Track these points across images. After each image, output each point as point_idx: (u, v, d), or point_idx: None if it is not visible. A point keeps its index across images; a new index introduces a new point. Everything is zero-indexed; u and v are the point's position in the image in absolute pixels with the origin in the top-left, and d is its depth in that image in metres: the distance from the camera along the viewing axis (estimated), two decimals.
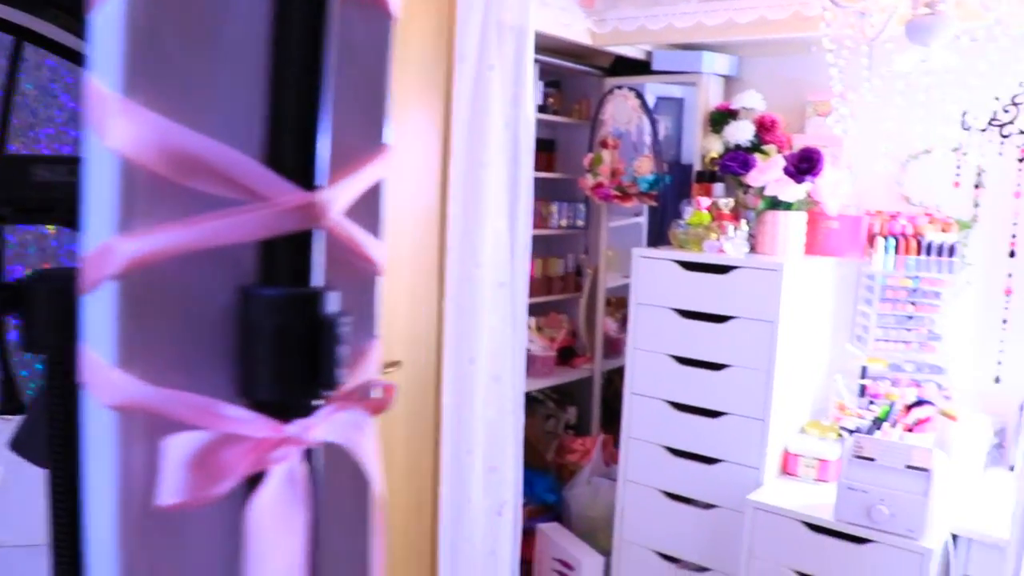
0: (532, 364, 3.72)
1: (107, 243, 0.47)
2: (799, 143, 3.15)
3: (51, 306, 0.64)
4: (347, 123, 0.56)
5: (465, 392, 2.51)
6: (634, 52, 3.55)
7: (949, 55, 2.10)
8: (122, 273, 0.47)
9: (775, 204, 2.99)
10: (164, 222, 0.47)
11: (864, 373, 3.06)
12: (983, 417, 2.90)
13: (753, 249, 3.07)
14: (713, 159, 3.29)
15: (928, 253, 2.96)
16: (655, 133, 3.51)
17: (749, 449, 2.90)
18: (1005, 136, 2.85)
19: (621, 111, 3.58)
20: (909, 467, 2.50)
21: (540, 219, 3.85)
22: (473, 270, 2.44)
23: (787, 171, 2.89)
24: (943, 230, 2.98)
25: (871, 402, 3.02)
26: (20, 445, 0.74)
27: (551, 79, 3.90)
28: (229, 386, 0.51)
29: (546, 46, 3.49)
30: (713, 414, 2.98)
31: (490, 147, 2.38)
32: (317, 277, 0.52)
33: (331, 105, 0.51)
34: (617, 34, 3.30)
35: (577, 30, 3.30)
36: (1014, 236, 2.89)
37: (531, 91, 2.38)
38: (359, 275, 0.60)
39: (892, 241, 2.98)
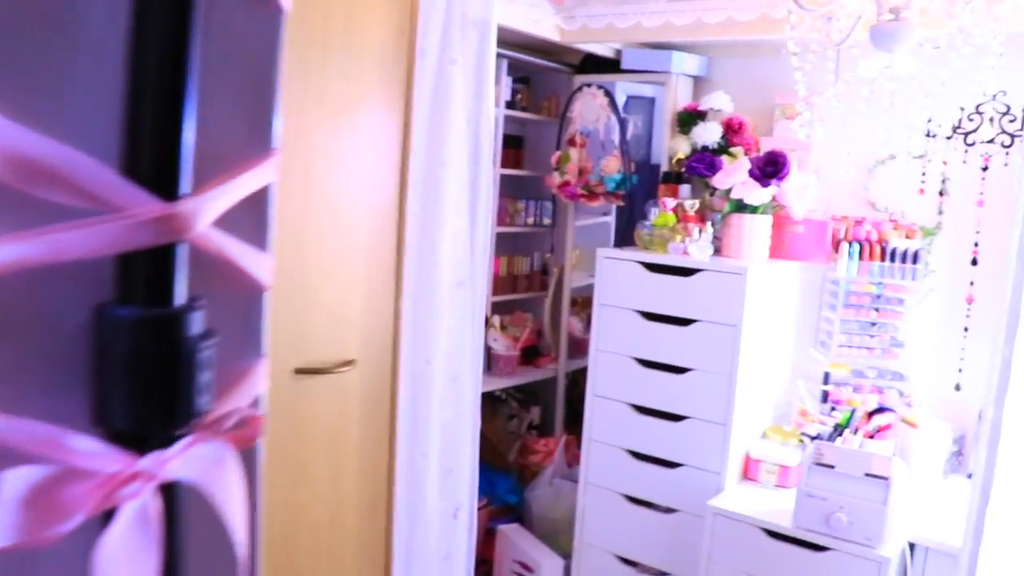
0: (495, 363, 3.69)
1: None
2: (767, 146, 3.14)
3: None
4: (224, 124, 0.51)
5: (421, 393, 2.46)
6: (604, 50, 3.52)
7: (913, 62, 2.09)
8: None
9: (741, 207, 2.97)
10: (5, 234, 0.42)
11: (827, 379, 3.05)
12: (943, 425, 2.90)
13: (718, 252, 3.05)
14: (680, 160, 3.26)
15: (892, 259, 2.96)
16: (623, 132, 3.48)
17: (711, 454, 2.88)
18: (969, 144, 2.85)
19: (589, 109, 3.55)
20: (868, 475, 2.49)
21: (507, 216, 3.82)
22: (431, 269, 2.39)
23: (752, 174, 2.87)
24: (907, 237, 2.97)
25: (833, 408, 3.02)
26: None
27: (520, 75, 3.86)
28: (84, 414, 0.46)
29: (515, 42, 3.45)
30: (675, 418, 2.96)
31: (450, 144, 2.34)
32: (180, 295, 0.47)
33: (202, 104, 0.46)
34: (585, 31, 3.26)
35: (545, 26, 3.26)
36: (976, 244, 2.89)
37: (492, 87, 2.34)
38: (239, 290, 0.56)
39: (856, 247, 2.97)
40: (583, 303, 3.92)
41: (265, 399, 0.56)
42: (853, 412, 2.91)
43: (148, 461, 0.45)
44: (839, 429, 2.84)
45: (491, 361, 3.70)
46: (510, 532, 3.50)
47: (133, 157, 0.45)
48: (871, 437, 2.81)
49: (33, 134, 0.41)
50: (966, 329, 2.93)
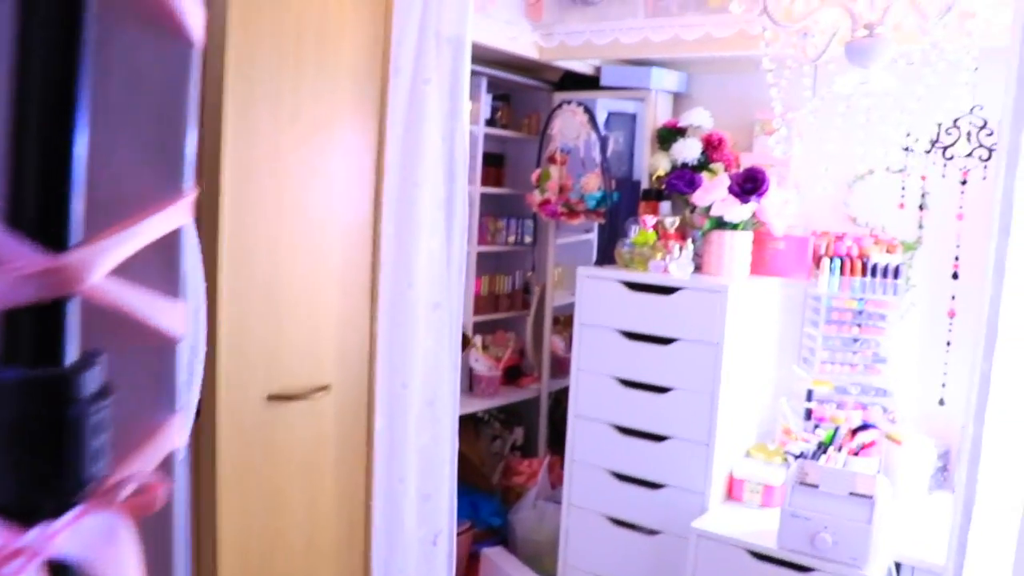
0: (477, 384, 3.65)
1: None
2: (747, 162, 3.12)
3: None
4: (127, 164, 0.48)
5: (398, 417, 2.42)
6: (583, 67, 3.50)
7: (888, 78, 2.07)
8: None
9: (721, 224, 2.95)
10: None
11: (810, 396, 3.03)
12: (927, 440, 2.88)
13: (699, 269, 3.03)
14: (660, 177, 3.24)
15: (873, 275, 2.94)
16: (603, 149, 3.46)
17: (694, 474, 2.85)
18: (948, 158, 2.84)
19: (569, 126, 3.53)
20: (853, 494, 2.46)
21: (488, 235, 3.79)
22: (407, 290, 2.36)
23: (732, 191, 2.86)
24: (888, 251, 2.96)
25: (816, 426, 2.99)
26: None
27: (500, 93, 3.84)
28: None
29: (494, 59, 3.44)
30: (658, 438, 2.92)
31: (425, 164, 2.31)
32: (71, 353, 0.44)
33: (99, 143, 0.42)
34: (564, 48, 3.24)
35: (524, 44, 3.24)
36: (957, 258, 2.88)
37: (467, 105, 2.31)
38: (146, 343, 0.52)
39: (837, 262, 2.96)
40: (566, 322, 3.89)
41: (182, 454, 0.53)
42: (837, 429, 2.88)
43: (33, 536, 0.42)
44: (823, 447, 2.81)
45: (473, 382, 3.67)
46: (494, 555, 3.45)
47: (15, 204, 0.41)
48: (855, 454, 2.78)
49: None
50: (948, 343, 2.92)
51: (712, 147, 3.18)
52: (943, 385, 2.94)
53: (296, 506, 2.29)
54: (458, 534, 3.52)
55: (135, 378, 0.47)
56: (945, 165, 2.86)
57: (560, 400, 3.80)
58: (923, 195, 2.93)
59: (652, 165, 3.33)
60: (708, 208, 2.94)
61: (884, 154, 2.83)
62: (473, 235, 3.65)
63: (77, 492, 0.44)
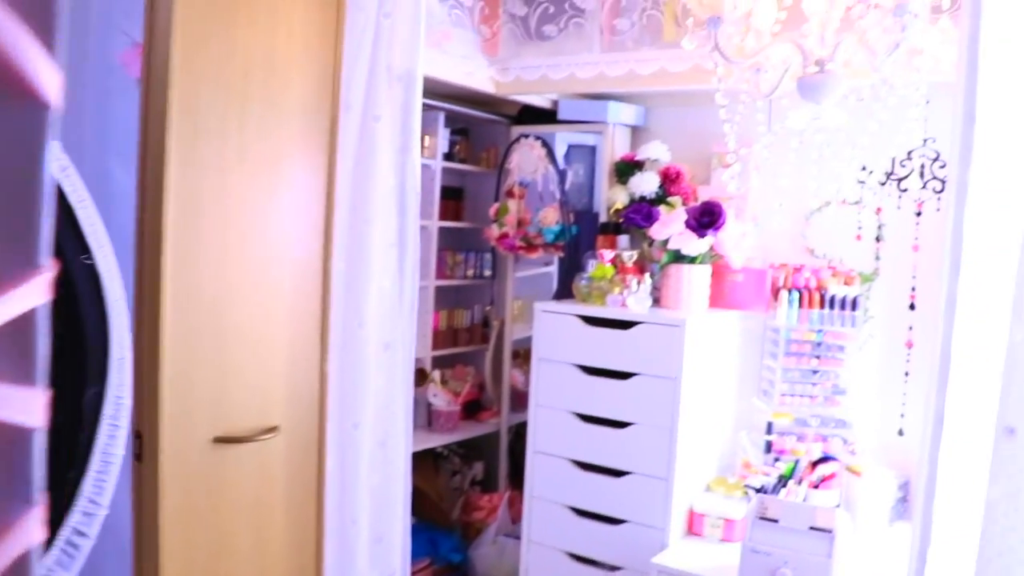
0: (436, 419, 3.61)
1: None
2: (705, 195, 3.12)
3: None
4: None
5: (349, 458, 2.36)
6: (541, 101, 3.50)
7: (840, 113, 2.08)
8: None
9: (679, 257, 2.93)
10: None
11: (770, 428, 3.01)
12: (887, 472, 2.87)
13: (657, 303, 3.01)
14: (618, 210, 3.23)
15: (831, 307, 2.94)
16: (562, 182, 3.45)
17: (653, 509, 2.82)
18: (903, 190, 2.86)
19: (527, 160, 3.52)
20: (813, 528, 2.44)
21: (446, 269, 3.77)
22: (357, 330, 2.31)
23: (689, 225, 2.85)
24: (846, 283, 2.96)
25: (777, 458, 2.97)
26: None
27: (458, 127, 3.83)
28: None
29: (452, 94, 3.42)
30: (617, 473, 2.89)
31: (376, 201, 2.27)
32: None
33: None
34: (520, 83, 3.24)
35: (480, 78, 3.23)
36: (914, 289, 2.89)
37: (418, 140, 2.29)
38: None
39: (796, 294, 2.95)
40: (525, 355, 3.84)
41: (38, 549, 0.48)
42: (797, 462, 2.87)
43: None
44: (783, 480, 2.80)
45: (431, 417, 3.62)
46: None
47: None
48: (816, 487, 2.76)
49: None
50: (907, 374, 2.92)
51: (670, 180, 3.17)
52: (902, 415, 2.93)
53: (244, 550, 2.23)
54: (417, 571, 3.47)
55: None
56: (900, 197, 2.88)
57: (520, 434, 3.76)
58: (879, 227, 2.95)
59: (610, 198, 3.32)
60: (666, 242, 2.93)
61: (837, 189, 2.84)
62: (431, 269, 3.63)
63: None
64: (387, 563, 2.43)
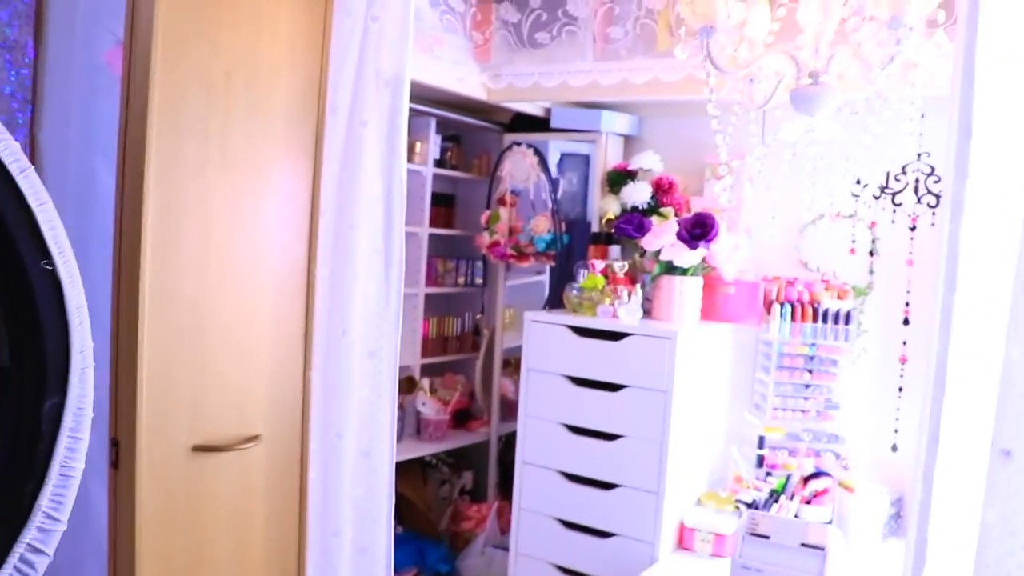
0: (424, 428, 3.57)
1: None
2: (697, 206, 3.10)
3: None
4: None
5: (332, 468, 2.33)
6: (533, 109, 3.47)
7: (834, 126, 2.05)
8: None
9: (671, 269, 2.91)
10: None
11: (761, 443, 2.98)
12: (880, 488, 2.84)
13: (648, 314, 2.98)
14: (610, 220, 3.20)
15: (824, 320, 2.91)
16: (554, 191, 3.42)
17: (643, 523, 2.78)
18: (897, 204, 2.84)
19: (519, 168, 3.49)
20: (804, 545, 2.41)
21: (436, 276, 3.74)
22: (341, 337, 2.28)
23: (680, 236, 2.82)
24: (839, 297, 2.94)
25: (769, 473, 2.94)
26: None
27: (450, 133, 3.80)
28: None
29: (444, 100, 3.40)
30: (607, 486, 2.85)
31: (361, 206, 2.24)
32: None
33: None
34: (512, 90, 3.20)
35: (471, 85, 3.20)
36: (908, 304, 2.86)
37: (404, 145, 2.26)
38: None
39: (788, 308, 2.92)
40: (516, 364, 3.81)
41: None
42: (789, 477, 2.83)
43: None
44: (775, 495, 2.77)
45: (420, 426, 3.59)
46: None
47: None
48: (808, 503, 2.73)
49: None
50: (900, 389, 2.89)
51: (662, 191, 3.15)
52: (895, 431, 2.91)
53: (223, 561, 2.19)
54: None
55: None
56: (894, 211, 2.86)
57: (510, 444, 3.71)
58: (873, 241, 2.92)
59: (602, 208, 3.29)
60: (658, 252, 2.90)
61: (830, 202, 2.81)
62: (421, 276, 3.60)
63: None
64: (371, 575, 2.39)
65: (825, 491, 2.75)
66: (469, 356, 3.90)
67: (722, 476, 3.06)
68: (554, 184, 3.43)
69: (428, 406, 3.57)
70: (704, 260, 2.91)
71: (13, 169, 1.17)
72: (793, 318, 2.93)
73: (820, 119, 2.02)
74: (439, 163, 3.69)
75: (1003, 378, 1.43)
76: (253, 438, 2.19)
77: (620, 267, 2.99)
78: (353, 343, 2.29)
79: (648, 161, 3.24)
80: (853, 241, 2.94)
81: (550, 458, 2.97)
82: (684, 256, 2.84)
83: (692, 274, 2.91)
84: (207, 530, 2.14)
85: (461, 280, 3.86)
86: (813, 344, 2.94)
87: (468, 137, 3.91)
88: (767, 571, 2.39)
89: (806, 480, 2.81)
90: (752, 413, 3.08)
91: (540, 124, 3.54)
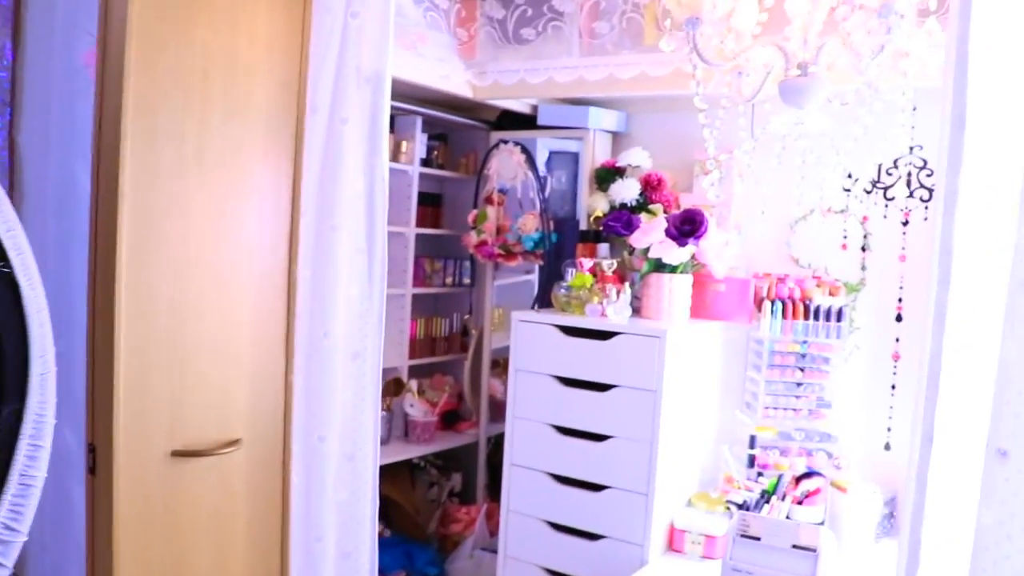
0: (412, 430, 3.53)
1: None
2: (687, 202, 3.06)
3: None
4: None
5: (315, 473, 2.28)
6: (520, 106, 3.43)
7: (824, 118, 2.01)
8: None
9: (660, 266, 2.86)
10: None
11: (753, 442, 2.94)
12: (873, 487, 2.80)
13: (637, 312, 2.94)
14: (598, 218, 3.16)
15: (816, 317, 2.88)
16: (542, 189, 3.38)
17: (633, 525, 2.74)
18: (889, 199, 2.80)
19: (506, 166, 3.45)
20: (796, 547, 2.38)
21: (424, 277, 3.71)
22: (323, 340, 2.23)
23: (669, 233, 2.78)
24: (831, 293, 2.90)
25: (760, 473, 2.90)
26: None
27: (437, 132, 3.76)
28: None
29: (429, 98, 3.35)
30: (596, 487, 2.81)
31: (343, 206, 2.20)
32: None
33: None
34: (497, 87, 3.16)
35: (456, 82, 3.16)
36: (900, 300, 2.83)
37: (387, 144, 2.21)
38: None
39: (779, 305, 2.88)
40: (505, 365, 3.77)
41: None
42: (780, 477, 2.80)
43: None
44: (766, 495, 2.73)
45: (408, 428, 3.54)
46: None
47: None
48: (800, 503, 2.70)
49: None
50: (893, 387, 2.86)
51: (651, 188, 3.11)
52: (888, 430, 2.88)
53: (204, 567, 2.15)
54: None
55: None
56: (886, 206, 2.82)
57: (500, 445, 3.66)
58: (865, 236, 2.89)
59: (590, 206, 3.25)
60: (646, 250, 2.86)
61: (820, 196, 2.77)
62: (408, 276, 3.57)
63: None
64: None
65: (817, 491, 2.72)
66: (457, 357, 3.86)
67: (713, 476, 3.02)
68: (542, 182, 3.39)
69: (416, 408, 3.53)
70: (693, 257, 2.87)
71: None
72: (784, 315, 2.89)
73: (809, 111, 1.99)
74: (426, 162, 3.65)
75: (999, 376, 1.39)
76: (234, 442, 2.15)
77: (608, 265, 2.95)
78: (336, 345, 2.25)
79: (636, 158, 3.20)
80: (845, 237, 2.90)
81: (538, 460, 2.93)
82: (673, 253, 2.80)
83: (681, 272, 2.87)
84: (187, 536, 2.10)
85: (449, 280, 3.82)
86: (805, 342, 2.90)
87: (455, 136, 3.87)
88: (758, 573, 2.36)
89: (798, 480, 2.77)
90: (743, 412, 3.04)
91: (527, 122, 3.50)
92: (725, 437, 3.05)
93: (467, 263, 3.85)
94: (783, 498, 2.70)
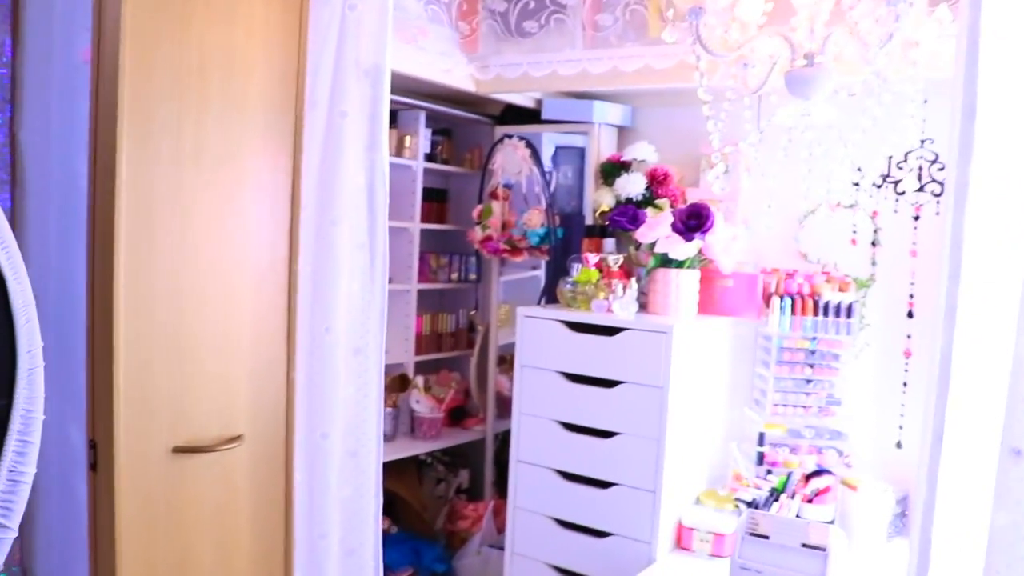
0: (419, 426, 3.51)
1: None
2: (694, 197, 3.02)
3: None
4: None
5: (318, 469, 2.26)
6: (524, 100, 3.40)
7: (831, 110, 1.97)
8: None
9: (666, 261, 2.83)
10: None
11: (762, 440, 2.90)
12: (885, 486, 2.77)
13: (644, 308, 2.91)
14: (603, 213, 3.13)
15: (825, 313, 2.84)
16: (547, 184, 3.34)
17: (640, 522, 2.71)
18: (900, 193, 2.76)
19: (511, 161, 3.42)
20: (805, 545, 2.34)
21: (429, 272, 3.68)
22: (324, 335, 2.21)
23: (675, 228, 2.74)
24: (841, 289, 2.86)
25: (769, 471, 2.87)
26: None
27: (442, 127, 3.73)
28: None
29: (433, 93, 3.33)
30: (603, 484, 2.79)
31: (343, 200, 2.17)
32: None
33: None
34: (500, 81, 3.13)
35: (459, 76, 3.13)
36: (912, 296, 2.79)
37: (386, 137, 2.19)
38: None
39: (788, 301, 2.85)
40: (512, 361, 3.75)
41: None
42: (790, 475, 2.76)
43: None
44: (775, 494, 2.70)
45: (414, 424, 3.52)
46: None
47: None
48: (809, 501, 2.66)
49: None
50: (905, 384, 2.82)
51: (657, 182, 3.07)
52: (900, 427, 2.84)
53: (207, 565, 2.14)
54: None
55: None
56: (897, 200, 2.78)
57: (507, 442, 3.65)
58: (875, 231, 2.85)
59: (596, 200, 3.22)
60: (652, 245, 2.82)
61: (827, 190, 2.73)
62: (413, 272, 3.54)
63: None
64: None
65: (827, 489, 2.68)
66: (464, 353, 3.84)
67: (721, 474, 2.98)
68: (547, 177, 3.36)
69: (422, 404, 3.50)
70: (700, 252, 2.84)
71: None
72: (793, 311, 2.86)
73: (816, 103, 1.95)
74: (430, 157, 3.63)
75: (1013, 373, 1.35)
76: (236, 438, 2.13)
77: (615, 260, 2.92)
78: (337, 340, 2.23)
79: (642, 152, 3.17)
80: (854, 232, 2.86)
81: (545, 456, 2.91)
82: (679, 248, 2.76)
83: (688, 267, 2.84)
84: (190, 533, 2.09)
85: (455, 276, 3.79)
86: (814, 338, 2.86)
87: (459, 130, 3.85)
88: (767, 572, 2.32)
89: (807, 478, 2.74)
90: (752, 409, 3.00)
91: (532, 116, 3.47)
92: (734, 434, 3.01)
93: (473, 259, 3.82)
94: (792, 496, 2.67)
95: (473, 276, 3.84)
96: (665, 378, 2.64)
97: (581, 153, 3.38)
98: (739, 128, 2.29)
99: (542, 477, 2.91)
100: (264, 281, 2.17)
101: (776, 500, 2.64)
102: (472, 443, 3.76)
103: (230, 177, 2.07)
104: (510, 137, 3.44)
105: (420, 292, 3.59)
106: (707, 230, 2.72)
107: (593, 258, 2.92)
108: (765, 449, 2.89)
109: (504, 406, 3.72)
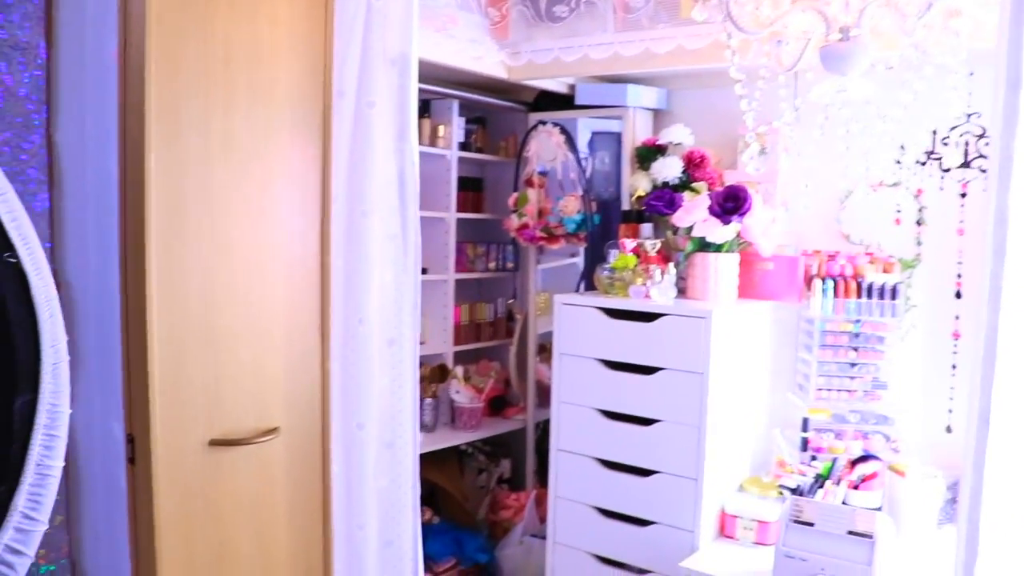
0: (459, 417, 3.51)
1: None
2: (731, 179, 2.97)
3: None
4: None
5: (354, 460, 2.27)
6: (557, 86, 3.37)
7: (869, 85, 1.91)
8: None
9: (704, 245, 2.79)
10: None
11: (806, 425, 2.85)
12: (934, 471, 2.69)
13: (683, 293, 2.87)
14: (640, 197, 3.09)
15: (869, 295, 2.77)
16: (582, 170, 3.31)
17: (682, 510, 2.68)
18: (945, 170, 2.67)
19: (545, 148, 3.39)
20: (851, 533, 2.31)
21: (466, 262, 3.67)
22: (358, 327, 2.21)
23: (712, 211, 2.70)
24: (885, 270, 2.79)
25: (814, 457, 2.82)
26: None
27: (475, 115, 3.71)
28: None
29: (464, 81, 3.31)
30: (644, 472, 2.76)
31: (373, 191, 2.17)
32: None
33: None
34: (532, 67, 3.10)
35: (490, 63, 3.10)
36: (960, 276, 2.71)
37: (415, 127, 2.17)
38: None
39: (831, 283, 2.79)
40: (551, 350, 3.74)
41: None
42: (835, 461, 2.71)
43: None
44: (820, 480, 2.65)
45: (455, 414, 3.52)
46: None
47: None
48: (855, 487, 2.61)
49: None
50: (954, 366, 2.75)
51: (694, 165, 3.02)
52: (949, 411, 2.77)
53: (246, 556, 2.15)
54: (443, 572, 3.38)
55: None
56: (943, 177, 2.70)
57: (548, 431, 3.64)
58: (920, 210, 2.77)
59: (632, 185, 3.18)
60: (690, 229, 2.78)
61: (867, 168, 2.65)
62: (450, 262, 3.54)
63: None
64: (398, 568, 2.33)
65: (874, 475, 2.63)
66: (503, 342, 3.83)
67: (765, 460, 2.94)
68: (582, 163, 3.32)
69: (462, 394, 3.50)
70: (739, 235, 2.79)
71: None
72: (836, 294, 2.80)
73: (852, 78, 1.89)
74: (464, 146, 3.61)
75: None
76: (272, 431, 2.14)
77: (652, 245, 2.88)
78: (371, 331, 2.22)
79: (678, 135, 3.12)
80: (898, 211, 2.79)
81: (585, 445, 2.89)
82: (717, 232, 2.72)
83: (727, 250, 2.79)
84: (228, 525, 2.10)
85: (492, 265, 3.78)
86: (858, 321, 2.80)
87: (493, 118, 3.83)
88: (812, 560, 2.28)
89: (853, 464, 2.68)
90: (795, 394, 2.95)
91: (566, 102, 3.44)
92: (777, 420, 2.97)
93: (510, 247, 3.81)
94: (838, 483, 2.62)
95: (511, 264, 3.82)
96: (705, 364, 2.60)
97: (617, 138, 3.34)
98: (775, 107, 2.24)
99: (583, 466, 2.90)
100: (296, 274, 2.17)
101: (821, 487, 2.60)
102: (513, 432, 3.75)
103: (259, 170, 2.08)
104: (544, 124, 3.41)
105: (457, 282, 3.58)
106: (745, 212, 2.67)
107: (630, 244, 2.89)
108: (809, 435, 2.84)
109: (545, 395, 3.70)
